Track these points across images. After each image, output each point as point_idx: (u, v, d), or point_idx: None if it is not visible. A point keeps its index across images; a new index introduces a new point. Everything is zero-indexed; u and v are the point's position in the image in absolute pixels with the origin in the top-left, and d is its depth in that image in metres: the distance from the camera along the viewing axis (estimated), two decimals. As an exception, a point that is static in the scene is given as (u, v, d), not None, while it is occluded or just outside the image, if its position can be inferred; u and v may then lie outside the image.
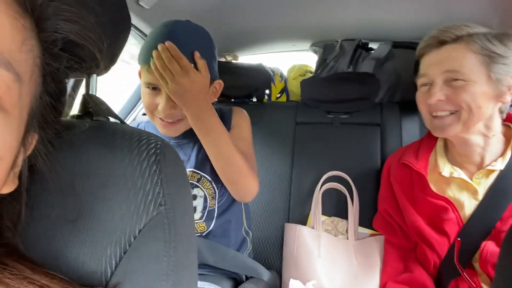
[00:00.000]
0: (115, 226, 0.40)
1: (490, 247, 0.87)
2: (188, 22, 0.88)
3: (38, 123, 0.37)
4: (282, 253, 1.21)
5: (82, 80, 0.99)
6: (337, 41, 1.58)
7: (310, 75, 1.75)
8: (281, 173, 1.31)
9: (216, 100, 1.52)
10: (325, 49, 1.61)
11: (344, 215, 1.21)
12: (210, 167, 0.93)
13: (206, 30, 0.90)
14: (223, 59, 1.78)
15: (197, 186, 0.95)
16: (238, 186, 0.91)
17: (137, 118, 1.56)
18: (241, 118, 1.00)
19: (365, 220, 1.19)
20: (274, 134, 1.35)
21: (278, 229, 1.26)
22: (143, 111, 1.58)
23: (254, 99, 1.48)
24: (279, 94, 1.73)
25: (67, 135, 0.41)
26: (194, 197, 0.95)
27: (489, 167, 0.91)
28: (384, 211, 1.10)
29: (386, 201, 1.09)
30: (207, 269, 0.97)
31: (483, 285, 0.88)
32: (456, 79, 0.87)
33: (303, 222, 1.22)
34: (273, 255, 1.25)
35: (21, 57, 0.31)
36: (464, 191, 0.93)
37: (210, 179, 0.95)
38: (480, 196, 0.91)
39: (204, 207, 0.96)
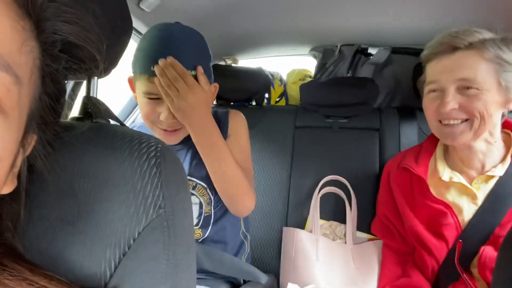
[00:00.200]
0: (114, 228, 0.40)
1: (488, 252, 0.87)
2: (180, 25, 0.87)
3: (37, 124, 0.37)
4: (280, 257, 1.21)
5: (82, 82, 0.99)
6: (337, 46, 1.59)
7: (310, 79, 1.76)
8: (280, 177, 1.31)
9: (215, 103, 1.54)
10: (325, 54, 1.62)
11: (342, 219, 1.21)
12: (205, 174, 0.92)
13: (198, 31, 0.89)
14: (223, 63, 1.78)
15: (192, 194, 0.95)
16: (235, 202, 0.91)
17: (136, 120, 1.56)
18: (238, 123, 0.99)
19: (363, 225, 1.19)
20: (273, 137, 1.35)
21: (276, 233, 1.26)
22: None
23: (254, 103, 1.49)
24: (279, 98, 1.73)
25: (66, 136, 0.41)
26: None
27: (488, 173, 0.91)
28: (382, 216, 1.10)
29: (385, 206, 1.09)
30: (205, 273, 0.97)
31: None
32: (470, 87, 0.86)
33: (301, 226, 1.22)
34: (271, 259, 1.25)
35: (21, 58, 0.32)
36: (463, 195, 0.94)
37: (205, 185, 0.94)
38: (479, 201, 0.91)
39: (200, 214, 0.95)
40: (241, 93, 1.45)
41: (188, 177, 0.95)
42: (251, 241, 1.24)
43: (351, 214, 1.20)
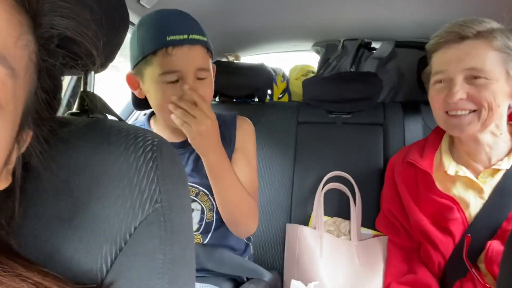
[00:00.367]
0: (110, 223, 0.39)
1: (495, 246, 0.86)
2: (179, 10, 0.86)
3: (33, 119, 0.37)
4: (284, 254, 1.21)
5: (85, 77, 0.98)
6: (340, 41, 1.57)
7: (312, 75, 1.75)
8: (283, 173, 1.30)
9: (218, 100, 1.53)
10: (328, 49, 1.60)
11: (346, 215, 1.20)
12: (206, 180, 0.91)
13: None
14: (225, 59, 1.78)
15: (194, 201, 0.93)
16: (238, 224, 0.91)
17: (139, 118, 1.56)
18: (247, 135, 0.97)
19: (368, 221, 1.18)
20: (276, 134, 1.35)
21: (280, 230, 1.25)
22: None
23: (256, 99, 1.48)
24: (281, 95, 1.72)
25: (62, 132, 0.41)
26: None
27: (495, 166, 0.90)
28: (387, 211, 1.09)
29: (390, 201, 1.08)
30: (207, 271, 0.96)
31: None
32: (478, 77, 0.84)
33: (305, 222, 1.22)
34: (274, 256, 1.24)
35: (17, 52, 0.31)
36: (469, 190, 0.92)
37: (207, 192, 0.93)
38: (486, 195, 0.90)
39: (201, 219, 0.94)
40: (244, 89, 1.44)
41: (191, 184, 0.93)
42: (254, 238, 1.23)
43: (356, 210, 1.19)
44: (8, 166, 0.35)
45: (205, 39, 0.85)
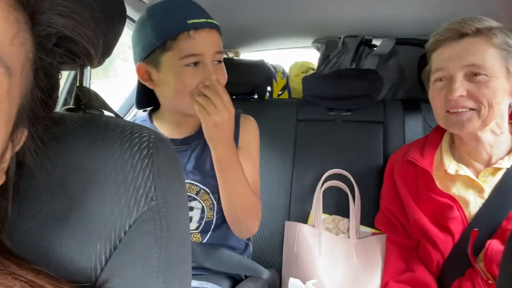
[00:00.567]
0: (105, 221, 0.39)
1: (495, 245, 0.86)
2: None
3: (28, 118, 0.37)
4: (282, 252, 1.20)
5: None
6: (340, 38, 1.56)
7: (312, 72, 1.74)
8: (282, 170, 1.29)
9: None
10: (328, 46, 1.60)
11: (345, 213, 1.20)
12: (208, 179, 0.91)
13: None
14: (224, 56, 1.77)
15: (195, 199, 0.93)
16: (240, 223, 0.91)
17: (138, 114, 1.55)
18: (250, 134, 0.97)
19: (367, 219, 1.17)
20: (275, 131, 1.34)
21: (279, 227, 1.25)
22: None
23: (256, 96, 1.47)
24: (281, 91, 1.72)
25: (57, 130, 0.40)
26: (191, 208, 0.93)
27: (495, 165, 0.89)
28: (386, 210, 1.08)
29: (389, 199, 1.08)
30: (205, 269, 0.96)
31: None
32: (478, 74, 0.84)
33: (304, 220, 1.21)
34: (273, 253, 1.24)
35: (13, 50, 0.31)
36: (469, 189, 0.92)
37: (208, 190, 0.93)
38: (486, 194, 0.90)
39: (201, 218, 0.93)
40: (243, 86, 1.43)
41: (192, 182, 0.92)
42: (253, 236, 1.23)
43: (355, 208, 1.18)
44: (2, 165, 0.35)
45: (218, 24, 0.87)
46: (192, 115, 0.89)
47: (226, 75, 0.90)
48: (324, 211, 1.21)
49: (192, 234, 0.94)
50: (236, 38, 1.68)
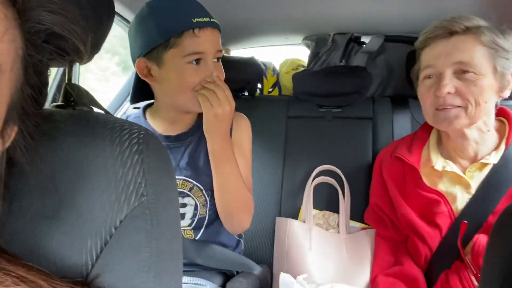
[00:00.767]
0: (95, 217, 0.39)
1: (482, 240, 0.88)
2: None
3: (18, 115, 0.37)
4: (273, 247, 1.21)
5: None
6: (330, 35, 1.57)
7: (303, 69, 1.75)
8: (273, 167, 1.30)
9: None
10: (318, 43, 1.60)
11: (335, 209, 1.21)
12: (202, 175, 0.92)
13: None
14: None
15: (188, 195, 0.93)
16: (233, 219, 0.92)
17: (128, 112, 1.54)
18: (243, 131, 0.98)
19: (356, 214, 1.18)
20: (265, 128, 1.34)
21: (270, 223, 1.25)
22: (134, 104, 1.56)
23: (246, 93, 1.47)
24: (271, 89, 1.72)
25: (47, 127, 0.40)
26: (184, 205, 0.94)
27: (482, 161, 0.91)
28: (375, 205, 1.10)
29: (378, 195, 1.09)
30: (197, 265, 0.96)
31: (473, 279, 0.88)
32: (467, 72, 0.85)
33: (295, 216, 1.22)
34: (264, 249, 1.24)
35: (2, 47, 0.31)
36: (456, 185, 0.93)
37: (201, 187, 0.93)
38: (473, 189, 0.91)
39: (194, 215, 0.94)
40: (234, 83, 1.41)
41: (186, 179, 0.93)
42: (244, 232, 1.23)
43: (344, 203, 1.19)
44: None
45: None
46: (188, 112, 0.91)
47: (224, 73, 0.92)
48: (315, 207, 1.22)
49: (185, 231, 0.95)
50: (227, 35, 1.66)
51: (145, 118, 0.97)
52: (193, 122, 0.96)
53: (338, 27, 1.54)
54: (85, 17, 0.39)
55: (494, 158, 0.90)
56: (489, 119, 0.91)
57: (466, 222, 0.88)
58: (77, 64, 0.56)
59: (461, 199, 0.92)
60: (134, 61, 0.89)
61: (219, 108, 0.83)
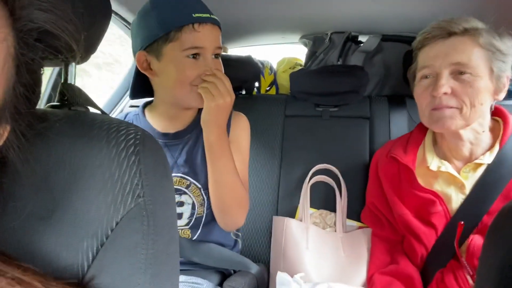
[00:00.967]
0: (91, 218, 0.39)
1: (477, 240, 0.88)
2: None
3: (11, 114, 0.36)
4: (270, 246, 1.21)
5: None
6: (327, 34, 1.57)
7: (300, 68, 1.74)
8: (270, 166, 1.30)
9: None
10: (315, 42, 1.59)
11: (332, 208, 1.21)
12: (199, 173, 0.92)
13: None
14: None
15: (185, 193, 0.93)
16: (227, 216, 0.91)
17: (124, 110, 1.53)
18: (241, 130, 0.98)
19: (353, 213, 1.19)
20: (263, 127, 1.34)
21: (267, 222, 1.25)
22: (131, 103, 1.56)
23: (243, 92, 1.47)
24: (269, 87, 1.72)
25: (41, 126, 0.40)
26: (181, 204, 0.93)
27: (477, 161, 0.91)
28: (371, 205, 1.10)
29: (374, 195, 1.09)
30: (194, 264, 0.96)
31: (468, 278, 0.88)
32: (464, 73, 0.86)
33: (292, 215, 1.22)
34: (261, 248, 1.24)
35: None
36: (451, 185, 0.94)
37: (199, 186, 0.93)
38: (467, 190, 0.91)
39: (192, 214, 0.94)
40: (231, 82, 1.42)
41: (183, 176, 0.93)
42: (241, 230, 1.23)
43: (341, 202, 1.20)
44: None
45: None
46: (187, 109, 0.90)
47: (223, 69, 0.93)
48: (312, 206, 1.22)
49: (183, 230, 0.95)
50: (224, 34, 1.65)
51: (144, 116, 0.97)
52: (191, 119, 0.96)
53: (335, 26, 1.53)
54: (79, 15, 0.39)
55: (488, 158, 0.90)
56: (484, 121, 0.91)
57: (463, 222, 0.88)
58: (73, 64, 0.55)
59: (456, 200, 0.93)
60: (134, 55, 0.90)
61: (220, 99, 0.83)
